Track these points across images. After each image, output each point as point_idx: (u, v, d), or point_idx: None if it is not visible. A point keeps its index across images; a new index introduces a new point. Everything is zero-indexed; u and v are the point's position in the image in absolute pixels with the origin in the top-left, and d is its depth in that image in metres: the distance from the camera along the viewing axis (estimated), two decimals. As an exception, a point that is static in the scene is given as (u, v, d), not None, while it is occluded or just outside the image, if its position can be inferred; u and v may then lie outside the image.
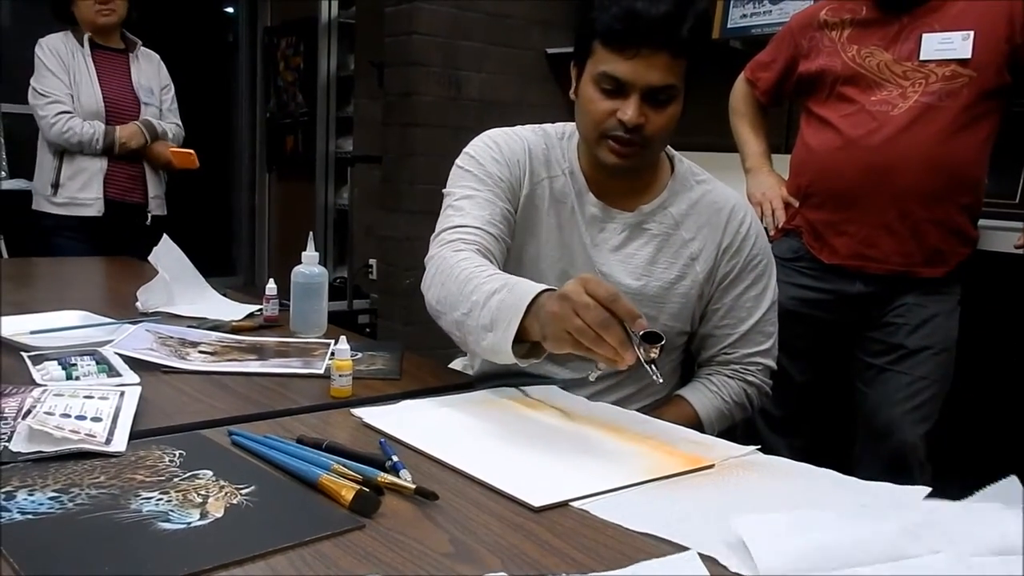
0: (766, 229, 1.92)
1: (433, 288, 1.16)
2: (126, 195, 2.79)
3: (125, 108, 2.77)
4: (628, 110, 1.16)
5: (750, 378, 1.33)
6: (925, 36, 1.76)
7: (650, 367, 0.92)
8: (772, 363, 1.35)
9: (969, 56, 1.72)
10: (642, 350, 0.90)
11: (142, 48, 2.89)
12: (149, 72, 2.88)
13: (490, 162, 1.27)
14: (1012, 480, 0.71)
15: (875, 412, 1.89)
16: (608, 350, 0.90)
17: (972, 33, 1.72)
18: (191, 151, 2.82)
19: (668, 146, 1.32)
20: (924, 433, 1.83)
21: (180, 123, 2.97)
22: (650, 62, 1.14)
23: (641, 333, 0.90)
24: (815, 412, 2.06)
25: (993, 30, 1.73)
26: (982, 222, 1.87)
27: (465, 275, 1.10)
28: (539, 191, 1.29)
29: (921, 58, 1.76)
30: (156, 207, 2.86)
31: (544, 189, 1.29)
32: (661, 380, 0.94)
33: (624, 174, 1.25)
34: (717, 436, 1.10)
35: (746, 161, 2.08)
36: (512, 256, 1.29)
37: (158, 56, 2.96)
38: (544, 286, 1.00)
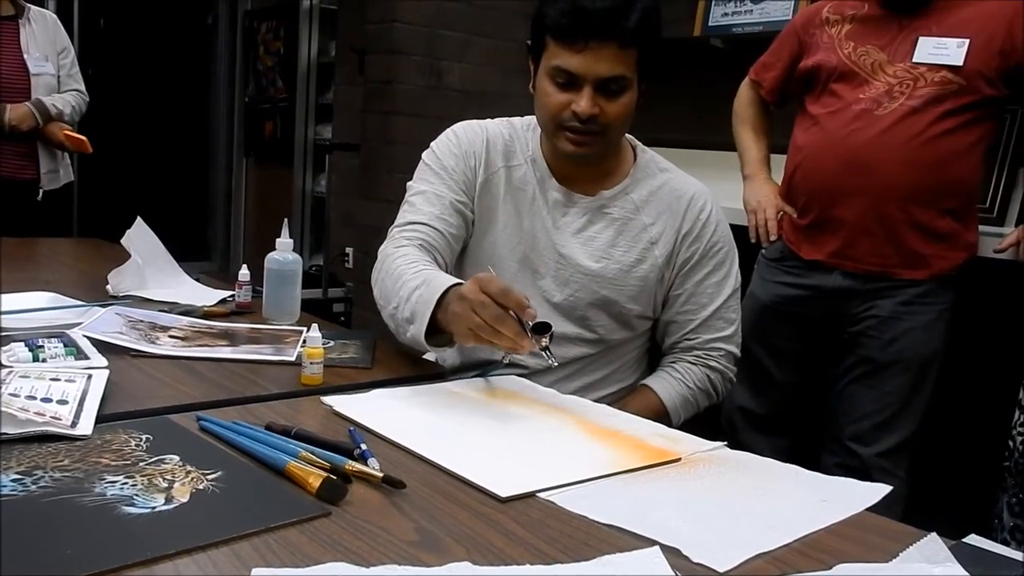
0: (758, 240, 1.93)
1: (376, 285, 1.25)
2: (17, 173, 2.69)
3: (13, 81, 2.63)
4: (581, 102, 1.21)
5: (713, 364, 1.36)
6: (921, 39, 1.74)
7: (544, 352, 1.04)
8: (735, 349, 1.38)
9: (961, 64, 1.70)
10: (534, 339, 1.01)
11: (34, 10, 2.72)
12: (42, 38, 2.72)
13: (447, 155, 1.33)
14: (933, 537, 0.73)
15: (840, 426, 1.88)
16: (506, 341, 1.00)
17: (968, 41, 1.70)
18: (83, 137, 2.71)
19: (632, 137, 1.36)
20: (890, 448, 1.82)
21: (82, 88, 2.84)
22: (599, 54, 1.18)
23: (531, 324, 1.00)
24: (799, 413, 2.04)
25: (990, 40, 1.70)
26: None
27: (397, 272, 1.19)
28: (494, 180, 1.33)
29: (914, 60, 1.74)
30: (48, 182, 2.76)
31: (500, 178, 1.33)
32: (555, 363, 1.09)
33: (584, 161, 1.29)
34: (684, 424, 1.12)
35: (744, 167, 2.05)
36: (472, 244, 1.35)
37: (54, 16, 2.80)
38: (455, 280, 1.09)
